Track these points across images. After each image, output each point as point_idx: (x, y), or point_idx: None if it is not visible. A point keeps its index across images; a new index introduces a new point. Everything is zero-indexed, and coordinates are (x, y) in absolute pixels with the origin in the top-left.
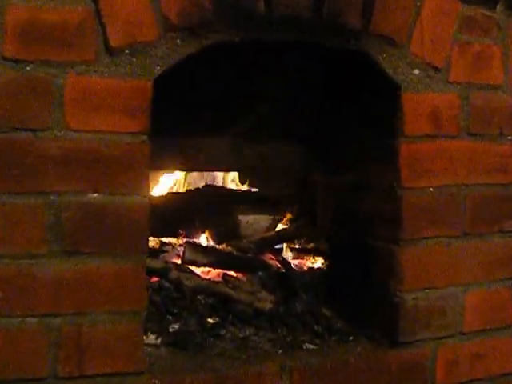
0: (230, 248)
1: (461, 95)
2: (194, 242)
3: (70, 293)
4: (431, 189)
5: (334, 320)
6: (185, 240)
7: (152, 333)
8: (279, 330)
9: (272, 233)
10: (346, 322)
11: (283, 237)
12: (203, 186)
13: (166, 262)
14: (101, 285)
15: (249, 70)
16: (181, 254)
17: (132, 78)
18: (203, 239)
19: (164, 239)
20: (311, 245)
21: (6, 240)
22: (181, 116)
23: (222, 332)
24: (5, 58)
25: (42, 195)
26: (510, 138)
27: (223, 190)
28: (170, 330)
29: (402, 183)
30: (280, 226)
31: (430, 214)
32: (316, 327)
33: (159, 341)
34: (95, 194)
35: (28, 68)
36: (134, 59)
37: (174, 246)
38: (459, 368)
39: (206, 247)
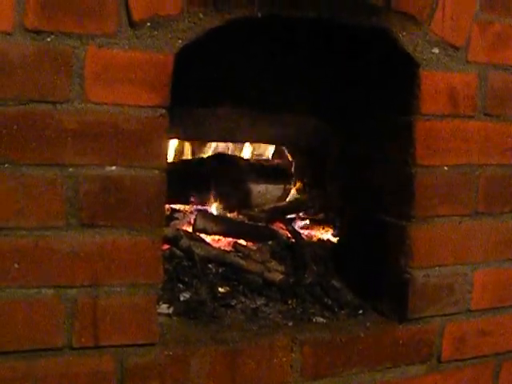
0: (240, 217)
1: (479, 75)
2: (205, 210)
3: (87, 265)
4: (445, 167)
5: (344, 292)
6: (196, 207)
7: (164, 302)
8: (289, 302)
9: (283, 203)
10: (356, 294)
11: (294, 207)
12: (214, 154)
13: (178, 230)
14: (117, 257)
15: (271, 44)
16: (192, 221)
17: (153, 52)
18: (214, 207)
19: (175, 206)
20: (322, 216)
21: (24, 212)
22: (199, 87)
23: (233, 302)
24: (26, 29)
25: (60, 167)
26: None
27: (235, 159)
28: (181, 298)
29: (417, 160)
30: (291, 196)
31: (443, 193)
32: (326, 299)
33: (171, 310)
34: (113, 167)
35: (48, 39)
36: (156, 32)
37: (185, 214)
38: (465, 344)
39: (217, 215)
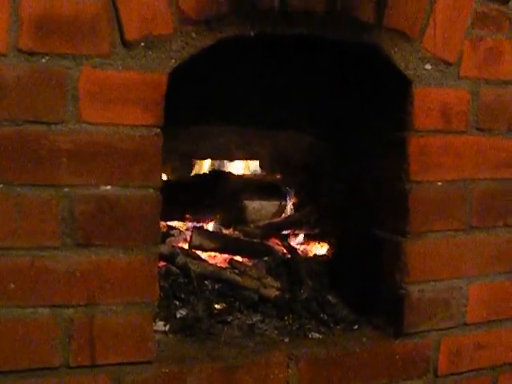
0: (236, 233)
1: (471, 90)
2: (201, 227)
3: (82, 284)
4: (439, 183)
5: (340, 307)
6: (192, 224)
7: (160, 319)
8: (285, 318)
9: (278, 218)
10: (351, 309)
11: (289, 223)
12: (210, 171)
13: (174, 247)
14: (113, 276)
15: (264, 62)
16: (188, 238)
17: (147, 72)
18: (210, 224)
19: (171, 223)
20: (317, 231)
21: (19, 232)
22: (193, 105)
23: (229, 319)
24: (20, 51)
25: (55, 188)
26: None
27: (230, 176)
28: (178, 315)
29: (411, 176)
30: (286, 212)
31: (437, 208)
32: (321, 315)
33: (167, 327)
34: (108, 187)
35: (43, 60)
36: (150, 52)
37: (180, 231)
38: (462, 358)
39: (213, 232)
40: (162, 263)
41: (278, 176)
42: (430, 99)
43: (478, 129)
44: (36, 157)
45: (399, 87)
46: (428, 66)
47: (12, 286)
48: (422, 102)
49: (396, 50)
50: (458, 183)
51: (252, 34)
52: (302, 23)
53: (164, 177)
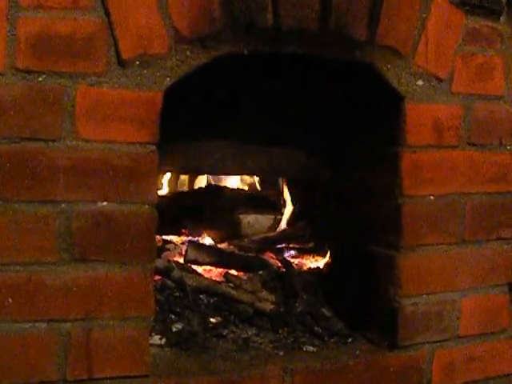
0: (231, 247)
1: (463, 106)
2: (197, 241)
3: (80, 299)
4: (431, 197)
5: (334, 321)
6: (187, 239)
7: (156, 333)
8: (280, 331)
9: (273, 232)
10: (346, 322)
11: (284, 237)
12: (205, 186)
13: (169, 261)
14: (109, 291)
15: (260, 78)
16: (183, 252)
17: (142, 90)
18: (205, 238)
19: (166, 237)
20: (312, 245)
21: (17, 248)
22: (190, 120)
23: (225, 332)
24: (17, 69)
25: (52, 204)
26: (509, 147)
27: (225, 190)
28: (174, 329)
29: (404, 191)
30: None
31: (430, 222)
32: (316, 328)
33: (163, 341)
34: (104, 203)
35: (40, 79)
36: (145, 71)
37: (176, 245)
38: (455, 370)
39: (208, 246)
40: (157, 277)
41: (274, 190)
42: (423, 115)
43: (470, 143)
44: (33, 173)
45: (392, 103)
46: (420, 82)
47: (10, 300)
48: (415, 118)
49: (388, 66)
50: (450, 197)
51: (245, 52)
52: (296, 41)
53: (160, 190)
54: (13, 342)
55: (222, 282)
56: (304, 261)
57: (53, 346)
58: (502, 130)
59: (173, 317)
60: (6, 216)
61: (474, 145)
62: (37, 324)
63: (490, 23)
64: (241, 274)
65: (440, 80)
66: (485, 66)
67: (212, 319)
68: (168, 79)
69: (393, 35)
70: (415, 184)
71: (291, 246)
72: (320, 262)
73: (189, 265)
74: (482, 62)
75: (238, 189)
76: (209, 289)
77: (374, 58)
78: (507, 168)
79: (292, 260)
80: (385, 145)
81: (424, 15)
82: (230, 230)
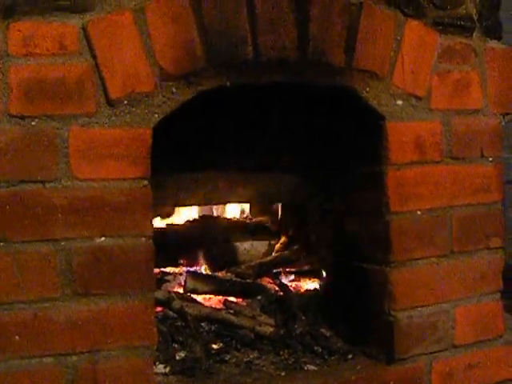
0: (229, 275)
1: (443, 121)
2: (195, 271)
3: (84, 332)
4: (418, 212)
5: (333, 339)
6: (185, 269)
7: (160, 362)
8: (281, 353)
9: (269, 258)
10: (345, 340)
11: (280, 261)
12: (200, 217)
13: (169, 292)
14: (112, 323)
15: (245, 107)
16: (182, 282)
17: (132, 127)
18: (203, 267)
19: (165, 269)
20: (307, 267)
21: (21, 286)
22: (182, 153)
23: (227, 357)
24: (11, 115)
25: (52, 242)
26: (490, 159)
27: (220, 220)
28: (177, 357)
29: (390, 208)
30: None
31: (418, 236)
32: (316, 348)
33: (168, 369)
34: (102, 238)
35: (33, 123)
36: (134, 109)
37: (175, 276)
38: (454, 379)
39: (207, 275)
40: (159, 308)
41: (266, 216)
42: (404, 133)
43: (452, 157)
44: (32, 214)
45: (374, 124)
46: (400, 102)
47: (17, 338)
48: (397, 136)
49: (368, 89)
50: (436, 211)
51: (228, 84)
52: (277, 71)
53: (156, 223)
54: (22, 378)
55: (222, 308)
56: (301, 283)
57: (61, 379)
58: (482, 141)
59: (176, 346)
60: (9, 256)
61: (456, 158)
62: (44, 359)
63: (463, 40)
64: (240, 300)
65: (418, 98)
66: (461, 82)
67: (214, 345)
68: (156, 115)
69: (370, 59)
70: (401, 200)
71: (287, 269)
72: (316, 284)
73: (188, 294)
74: (459, 77)
75: (231, 217)
76: (209, 316)
77: (353, 82)
78: (490, 179)
79: (289, 283)
80: (370, 164)
81: (399, 37)
82: (227, 258)
